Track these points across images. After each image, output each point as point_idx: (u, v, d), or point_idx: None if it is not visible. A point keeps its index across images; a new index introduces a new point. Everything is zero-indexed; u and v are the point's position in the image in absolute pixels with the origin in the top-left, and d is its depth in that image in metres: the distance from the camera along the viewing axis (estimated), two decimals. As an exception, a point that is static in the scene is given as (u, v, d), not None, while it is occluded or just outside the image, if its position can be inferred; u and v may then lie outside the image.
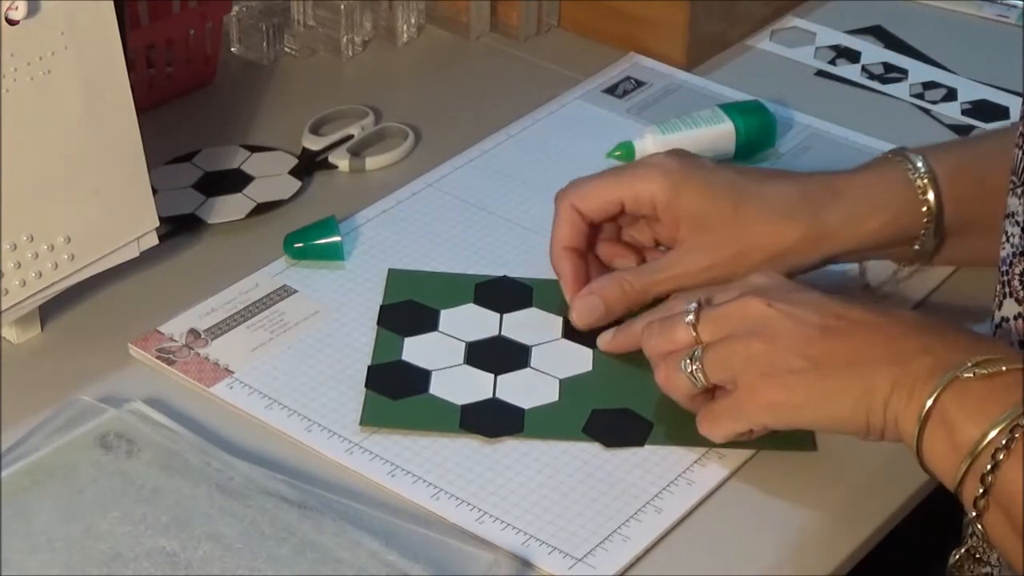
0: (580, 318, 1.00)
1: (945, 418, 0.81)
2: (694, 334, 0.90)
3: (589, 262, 1.03)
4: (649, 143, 1.16)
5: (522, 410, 0.95)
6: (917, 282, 1.06)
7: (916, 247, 1.02)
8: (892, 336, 0.85)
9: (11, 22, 0.90)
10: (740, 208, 0.99)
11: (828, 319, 0.87)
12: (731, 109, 1.17)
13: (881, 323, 0.86)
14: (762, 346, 0.87)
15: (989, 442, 0.79)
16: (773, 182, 1.01)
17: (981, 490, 0.80)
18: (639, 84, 1.28)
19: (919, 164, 1.00)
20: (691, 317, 0.90)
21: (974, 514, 0.81)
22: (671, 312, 0.93)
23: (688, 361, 0.89)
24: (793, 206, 0.99)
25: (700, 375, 0.89)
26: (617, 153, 1.16)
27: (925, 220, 1.01)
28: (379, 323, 1.02)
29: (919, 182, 1.00)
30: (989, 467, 0.79)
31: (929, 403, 0.82)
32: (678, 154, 1.03)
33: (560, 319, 1.02)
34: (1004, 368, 0.81)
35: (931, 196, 1.00)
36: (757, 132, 1.17)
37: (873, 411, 0.84)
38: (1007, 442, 0.79)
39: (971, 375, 0.81)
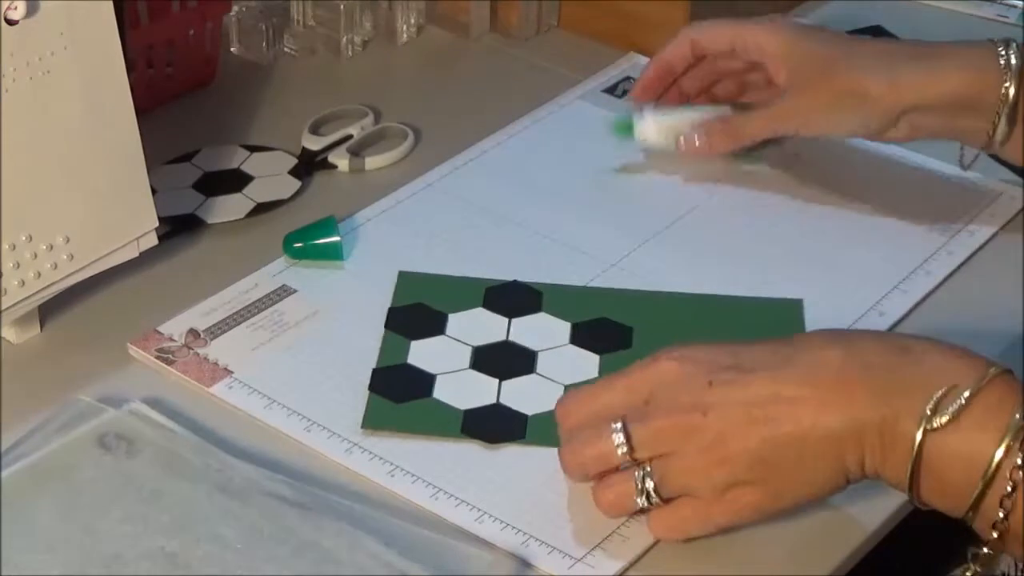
0: (688, 146, 1.12)
1: (931, 470, 0.80)
2: (626, 449, 0.84)
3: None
4: (649, 122, 1.14)
5: (525, 416, 0.95)
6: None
7: (990, 123, 1.05)
8: (841, 396, 0.81)
9: (10, 22, 0.90)
10: (834, 62, 1.08)
11: (769, 407, 0.82)
12: None
13: (818, 384, 0.81)
14: (713, 460, 0.82)
15: (988, 488, 0.78)
16: (865, 42, 1.13)
17: (995, 535, 0.79)
18: (639, 84, 1.28)
19: (1011, 43, 1.06)
20: (620, 435, 0.84)
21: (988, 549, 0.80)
22: (592, 428, 0.86)
23: (639, 481, 0.84)
24: (880, 60, 1.07)
25: (654, 496, 0.84)
26: (622, 127, 1.16)
27: (1002, 92, 1.04)
28: (386, 326, 1.01)
29: (1005, 56, 1.05)
30: (1001, 516, 0.78)
31: (910, 466, 0.80)
32: (791, 19, 1.18)
33: (568, 324, 1.02)
34: (963, 400, 0.79)
35: (1013, 73, 1.04)
36: None
37: (852, 475, 0.83)
38: (1012, 490, 0.78)
39: (939, 425, 0.79)
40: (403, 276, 1.06)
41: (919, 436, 0.79)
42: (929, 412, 0.79)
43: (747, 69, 1.16)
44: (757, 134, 1.11)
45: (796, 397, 0.81)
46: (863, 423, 0.80)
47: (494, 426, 0.94)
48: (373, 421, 0.94)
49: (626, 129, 1.16)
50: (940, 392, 0.79)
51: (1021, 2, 1.40)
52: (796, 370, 0.82)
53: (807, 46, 1.09)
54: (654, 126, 1.14)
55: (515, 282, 1.06)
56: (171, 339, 1.00)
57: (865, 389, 0.81)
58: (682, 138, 1.13)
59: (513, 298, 1.04)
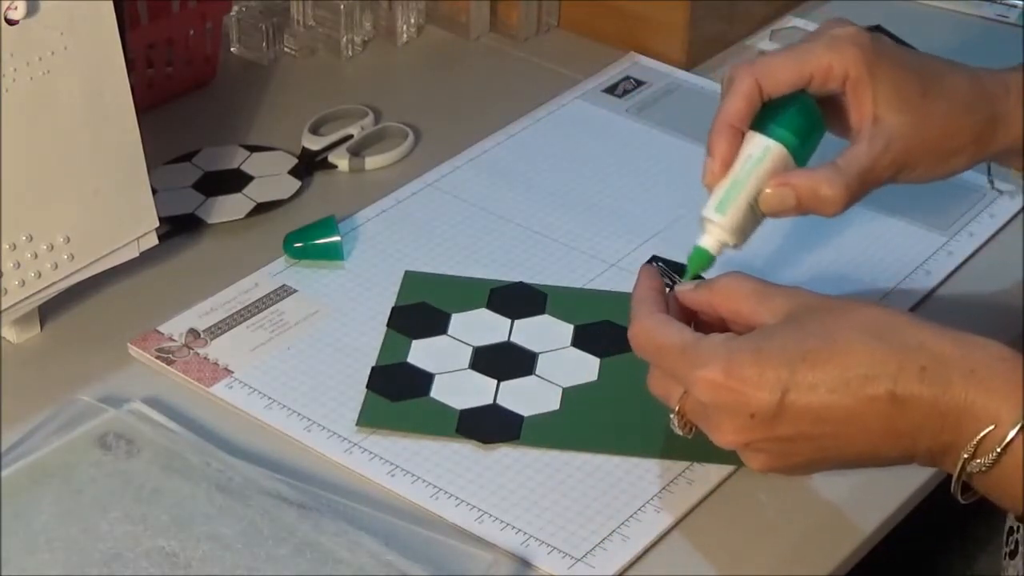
0: (769, 207, 0.91)
1: (985, 490, 0.81)
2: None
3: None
4: (717, 235, 0.92)
5: (521, 417, 0.95)
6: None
7: None
8: (886, 430, 0.82)
9: (11, 22, 0.90)
10: (928, 97, 0.92)
11: (820, 453, 0.84)
12: (767, 123, 0.92)
13: (853, 417, 0.82)
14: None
15: None
16: (954, 72, 0.95)
17: None
18: (639, 84, 1.28)
19: None
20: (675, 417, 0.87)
21: None
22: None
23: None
24: (972, 100, 0.94)
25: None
26: (696, 267, 0.93)
27: None
28: (389, 324, 1.02)
29: None
30: None
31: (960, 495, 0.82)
32: (858, 27, 0.93)
33: (571, 327, 1.02)
34: (999, 451, 0.79)
35: None
36: (807, 126, 0.93)
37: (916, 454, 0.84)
38: None
39: (980, 469, 0.79)
40: (408, 275, 1.06)
41: (960, 481, 0.80)
42: (965, 455, 0.79)
43: None
44: (853, 195, 0.92)
45: (837, 433, 0.82)
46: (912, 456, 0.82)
47: (489, 426, 0.94)
48: (369, 419, 0.94)
49: (704, 259, 0.93)
50: (974, 437, 0.79)
51: (1021, 2, 1.40)
52: (838, 399, 0.82)
53: (900, 68, 0.92)
54: (726, 235, 0.92)
55: (520, 283, 1.06)
56: (171, 339, 1.00)
57: (906, 424, 0.81)
58: (764, 199, 0.91)
59: (517, 299, 1.04)
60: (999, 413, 0.79)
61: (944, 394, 0.79)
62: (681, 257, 0.99)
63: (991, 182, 1.09)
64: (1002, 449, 0.78)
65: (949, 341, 0.81)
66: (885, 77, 0.91)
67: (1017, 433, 0.78)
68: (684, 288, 0.90)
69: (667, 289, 0.90)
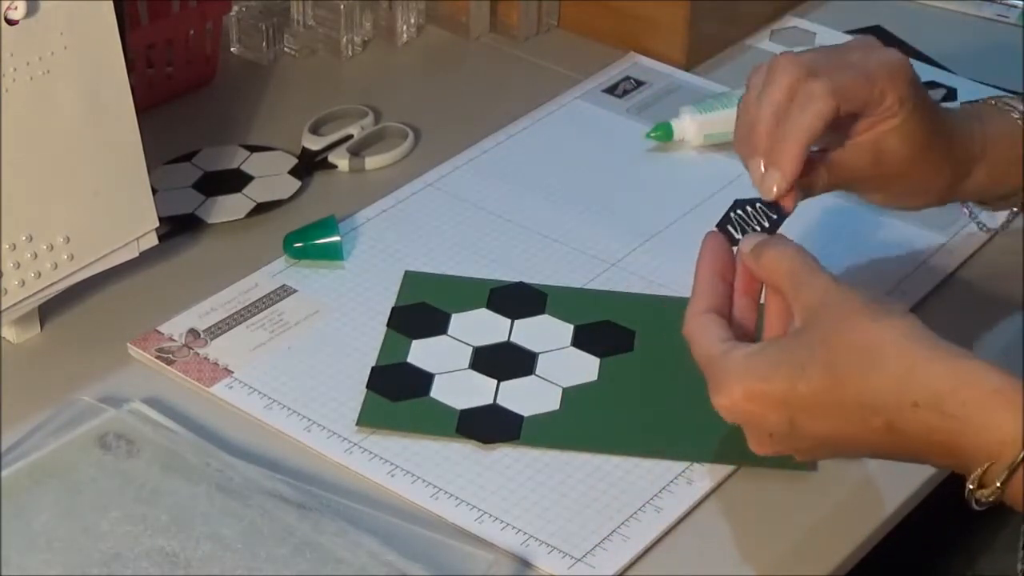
0: (765, 190, 0.93)
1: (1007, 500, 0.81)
2: None
3: None
4: (687, 122, 1.18)
5: (521, 417, 0.95)
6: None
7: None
8: (891, 448, 0.83)
9: (10, 22, 0.90)
10: (930, 151, 0.95)
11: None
12: None
13: (857, 438, 0.83)
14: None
15: None
16: (952, 125, 0.97)
17: None
18: (639, 84, 1.28)
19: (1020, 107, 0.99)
20: None
21: None
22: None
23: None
24: (947, 152, 0.96)
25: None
26: (655, 134, 1.19)
27: None
28: (389, 324, 1.01)
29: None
30: None
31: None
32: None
33: (571, 327, 1.02)
34: (999, 484, 0.78)
35: None
36: None
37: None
38: None
39: (987, 499, 0.79)
40: (408, 275, 1.06)
41: (1016, 461, 0.79)
42: (972, 487, 0.80)
43: None
44: (826, 187, 0.96)
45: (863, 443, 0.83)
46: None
47: (489, 426, 0.94)
48: (369, 419, 0.94)
49: (663, 133, 1.19)
50: (981, 466, 0.79)
51: (1021, 2, 1.40)
52: (855, 423, 0.83)
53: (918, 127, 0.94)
54: (693, 126, 1.18)
55: (520, 283, 1.06)
56: (171, 339, 1.00)
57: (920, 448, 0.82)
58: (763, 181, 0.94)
59: (517, 299, 1.04)
60: (993, 448, 0.78)
61: (938, 429, 0.79)
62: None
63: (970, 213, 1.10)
64: (1002, 482, 0.78)
65: (941, 368, 0.80)
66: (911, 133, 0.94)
67: (1018, 464, 0.78)
68: (745, 248, 0.89)
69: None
